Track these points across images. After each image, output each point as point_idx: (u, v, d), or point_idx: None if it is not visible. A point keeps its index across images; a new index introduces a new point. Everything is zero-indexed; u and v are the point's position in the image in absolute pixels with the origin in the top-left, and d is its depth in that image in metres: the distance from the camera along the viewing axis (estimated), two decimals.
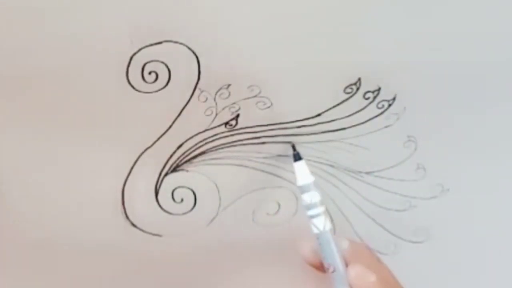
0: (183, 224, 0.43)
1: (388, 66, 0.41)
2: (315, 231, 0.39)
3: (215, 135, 0.41)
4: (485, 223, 0.47)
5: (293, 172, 0.43)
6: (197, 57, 0.38)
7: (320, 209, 0.39)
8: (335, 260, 0.39)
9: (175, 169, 0.42)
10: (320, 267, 0.40)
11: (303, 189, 0.40)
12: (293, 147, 0.41)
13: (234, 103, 0.40)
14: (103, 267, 0.43)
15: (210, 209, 0.43)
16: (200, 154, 0.42)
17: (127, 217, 0.42)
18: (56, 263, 0.43)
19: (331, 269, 0.39)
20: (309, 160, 0.43)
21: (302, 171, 0.40)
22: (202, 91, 0.39)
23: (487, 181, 0.46)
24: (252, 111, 0.41)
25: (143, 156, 0.41)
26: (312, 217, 0.39)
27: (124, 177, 0.41)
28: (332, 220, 0.45)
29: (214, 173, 0.42)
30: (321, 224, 0.39)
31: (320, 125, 0.42)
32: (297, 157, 0.41)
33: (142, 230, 0.43)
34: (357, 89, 0.41)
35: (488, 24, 0.40)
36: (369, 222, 0.45)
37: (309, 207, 0.39)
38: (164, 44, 0.38)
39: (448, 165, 0.44)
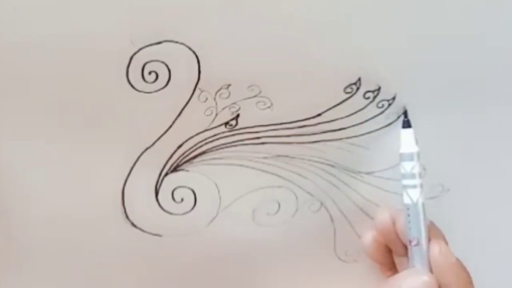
0: (183, 224, 0.43)
1: (388, 66, 0.41)
2: (407, 201, 0.39)
3: (215, 135, 0.41)
4: (485, 223, 0.47)
5: (294, 172, 0.43)
6: (197, 57, 0.38)
7: (418, 181, 0.39)
8: (421, 233, 0.39)
9: (175, 169, 0.42)
10: (390, 239, 0.40)
11: (405, 157, 0.39)
12: (405, 113, 0.41)
13: (234, 103, 0.40)
14: (103, 267, 0.43)
15: (210, 209, 0.43)
16: (200, 154, 0.42)
17: (127, 217, 0.42)
18: (55, 263, 0.43)
19: (414, 242, 0.39)
20: (309, 160, 0.43)
21: (408, 139, 0.40)
22: (202, 91, 0.39)
23: (487, 181, 0.45)
24: (252, 111, 0.41)
25: (143, 156, 0.41)
26: (407, 187, 0.39)
27: (124, 177, 0.41)
28: (332, 220, 0.45)
29: (214, 173, 0.42)
30: (415, 195, 0.39)
31: (320, 125, 0.42)
32: (406, 124, 0.40)
33: (142, 230, 0.43)
34: (357, 88, 0.41)
35: (488, 24, 0.40)
36: (369, 222, 0.45)
37: (407, 176, 0.39)
38: (164, 44, 0.38)
39: (448, 165, 0.44)
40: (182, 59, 0.38)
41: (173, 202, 0.42)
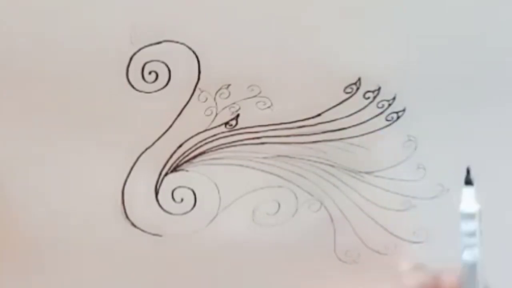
0: (183, 224, 0.43)
1: (388, 66, 0.41)
2: (468, 259, 0.39)
3: (215, 135, 0.41)
4: (485, 223, 0.47)
5: (294, 172, 0.43)
6: (197, 57, 0.38)
7: (478, 239, 0.39)
8: None
9: (175, 169, 0.42)
10: None
11: (469, 216, 0.39)
12: (468, 171, 0.40)
13: (234, 103, 0.40)
14: (103, 267, 0.43)
15: (210, 209, 0.43)
16: (200, 154, 0.42)
17: (127, 217, 0.42)
18: (56, 263, 0.43)
19: None
20: (309, 160, 0.43)
21: (470, 197, 0.39)
22: (202, 91, 0.39)
23: (487, 181, 0.45)
24: (252, 111, 0.41)
25: (143, 156, 0.41)
26: (469, 246, 0.39)
27: (124, 177, 0.41)
28: (332, 220, 0.45)
29: (214, 173, 0.42)
30: (475, 254, 0.39)
31: (320, 125, 0.42)
32: (469, 181, 0.39)
33: (142, 230, 0.43)
34: (357, 88, 0.41)
35: (488, 24, 0.40)
36: (369, 222, 0.45)
37: (471, 234, 0.39)
38: (164, 44, 0.38)
39: (448, 165, 0.44)
40: (182, 59, 0.38)
41: (173, 202, 0.42)
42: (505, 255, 0.48)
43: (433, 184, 0.45)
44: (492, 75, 0.42)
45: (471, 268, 0.39)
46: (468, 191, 0.39)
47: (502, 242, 0.47)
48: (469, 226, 0.38)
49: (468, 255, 0.39)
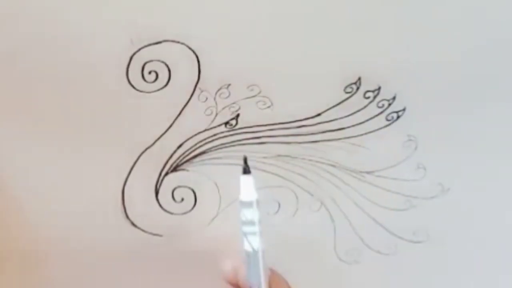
0: (183, 224, 0.43)
1: (388, 66, 0.41)
2: (248, 248, 0.39)
3: (215, 134, 0.41)
4: (485, 223, 0.47)
5: (294, 172, 0.43)
6: (197, 57, 0.39)
7: (257, 228, 0.39)
8: (261, 281, 0.39)
9: (175, 168, 0.42)
10: (236, 286, 0.40)
11: (246, 205, 0.39)
12: (245, 160, 0.40)
13: (234, 102, 0.40)
14: (103, 267, 0.43)
15: (210, 209, 0.43)
16: (200, 154, 0.42)
17: (127, 217, 0.42)
18: (56, 262, 0.43)
19: None
20: (310, 160, 0.43)
21: (248, 186, 0.39)
22: (202, 91, 0.39)
23: (487, 181, 0.45)
24: (252, 111, 0.41)
25: (143, 155, 0.41)
26: (247, 234, 0.38)
27: (124, 176, 0.41)
28: (332, 220, 0.45)
29: (214, 172, 0.42)
30: (256, 243, 0.39)
31: (320, 125, 0.42)
32: (246, 170, 0.39)
33: (142, 230, 0.43)
34: (357, 88, 0.41)
35: (488, 24, 0.40)
36: (370, 222, 0.45)
37: (248, 223, 0.38)
38: (164, 43, 0.38)
39: (448, 164, 0.44)
40: (182, 59, 0.38)
41: (173, 201, 0.42)
42: (504, 254, 0.48)
43: (433, 184, 0.45)
44: (493, 75, 0.42)
45: (254, 256, 0.38)
46: (246, 180, 0.38)
47: (502, 241, 0.47)
48: (248, 214, 0.38)
49: (249, 243, 0.38)
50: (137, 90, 0.39)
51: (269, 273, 0.40)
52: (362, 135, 0.43)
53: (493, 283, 0.48)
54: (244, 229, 0.39)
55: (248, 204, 0.38)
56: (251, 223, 0.38)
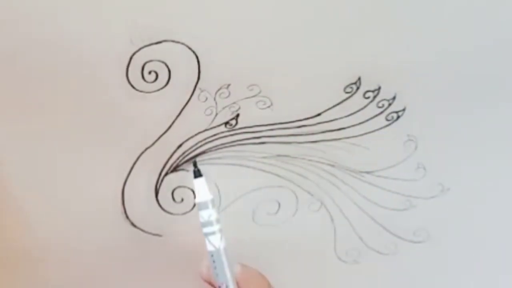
0: (183, 224, 0.43)
1: (388, 66, 0.41)
2: (210, 248, 0.40)
3: (215, 134, 0.41)
4: (485, 223, 0.47)
5: (294, 172, 0.43)
6: (197, 57, 0.39)
7: (216, 227, 0.39)
8: (228, 279, 0.39)
9: (175, 169, 0.42)
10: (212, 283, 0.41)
11: (201, 206, 0.40)
12: (194, 164, 0.41)
13: (234, 102, 0.40)
14: (103, 267, 0.43)
15: None
16: (200, 154, 0.42)
17: (127, 217, 0.42)
18: (56, 262, 0.43)
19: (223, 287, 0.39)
20: (311, 160, 0.43)
21: (201, 188, 0.40)
22: (202, 91, 0.40)
23: (487, 181, 0.45)
24: (252, 111, 0.41)
25: (143, 156, 0.41)
26: (208, 234, 0.39)
27: (124, 177, 0.41)
28: (332, 220, 0.45)
29: (214, 173, 0.42)
30: (216, 242, 0.39)
31: (320, 125, 0.42)
32: (197, 174, 0.40)
33: (142, 230, 0.43)
34: (357, 88, 0.41)
35: (488, 24, 0.40)
36: (369, 222, 0.45)
37: (206, 224, 0.40)
38: (164, 43, 0.38)
39: (448, 164, 0.44)
40: (182, 59, 0.38)
41: (173, 202, 0.42)
42: (504, 254, 0.48)
43: (433, 184, 0.45)
44: (492, 75, 0.42)
45: (217, 255, 0.39)
46: (199, 182, 0.40)
47: (502, 241, 0.47)
48: (206, 215, 0.39)
49: (210, 244, 0.39)
50: (137, 90, 0.39)
51: (239, 269, 0.40)
52: (362, 135, 0.43)
53: (493, 283, 0.48)
54: (204, 230, 0.39)
55: (204, 205, 0.39)
56: (209, 223, 0.39)
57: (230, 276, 0.39)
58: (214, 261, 0.39)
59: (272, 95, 0.41)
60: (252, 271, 0.41)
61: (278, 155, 0.43)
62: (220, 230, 0.40)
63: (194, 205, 0.43)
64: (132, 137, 0.40)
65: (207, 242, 0.40)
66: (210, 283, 0.41)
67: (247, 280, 0.40)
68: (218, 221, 0.40)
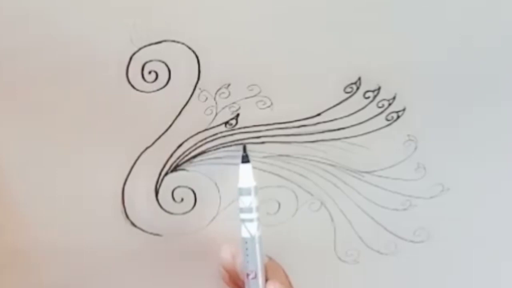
0: (183, 224, 0.43)
1: (388, 66, 0.41)
2: (245, 235, 0.40)
3: (215, 134, 0.41)
4: (485, 223, 0.47)
5: (294, 172, 0.43)
6: (197, 57, 0.39)
7: (255, 214, 0.40)
8: (258, 267, 0.40)
9: (175, 168, 0.42)
10: (234, 274, 0.41)
11: (243, 192, 0.40)
12: (244, 149, 0.41)
13: (234, 102, 0.40)
14: (103, 267, 0.43)
15: (210, 208, 0.43)
16: (200, 154, 0.42)
17: (127, 217, 0.42)
18: (55, 263, 0.43)
19: (251, 275, 0.40)
20: (311, 160, 0.43)
21: (246, 174, 0.40)
22: (202, 91, 0.40)
23: (487, 181, 0.45)
24: (252, 111, 0.41)
25: (143, 155, 0.41)
26: (245, 220, 0.40)
27: (124, 176, 0.41)
28: (332, 220, 0.45)
29: (214, 172, 0.42)
30: (253, 229, 0.40)
31: (320, 125, 0.42)
32: (245, 159, 0.41)
33: (142, 230, 0.43)
34: (357, 88, 0.41)
35: (488, 24, 0.40)
36: (369, 222, 0.45)
37: (245, 210, 0.40)
38: (164, 43, 0.38)
39: (448, 164, 0.44)
40: (182, 59, 0.38)
41: (173, 201, 0.42)
42: (504, 254, 0.48)
43: (433, 184, 0.45)
44: (492, 75, 0.42)
45: (251, 242, 0.40)
46: (245, 168, 0.40)
47: (502, 241, 0.47)
48: (246, 201, 0.40)
49: (247, 231, 0.40)
50: (137, 90, 0.39)
51: (266, 260, 0.40)
52: (362, 135, 0.43)
53: (493, 283, 0.48)
54: (241, 216, 0.40)
55: (247, 191, 0.40)
56: (249, 210, 0.40)
57: (260, 264, 0.40)
58: (247, 249, 0.40)
59: (272, 95, 0.41)
60: (278, 265, 0.41)
61: (278, 155, 0.43)
62: (258, 219, 0.40)
63: (194, 205, 0.43)
64: (132, 137, 0.40)
65: (242, 228, 0.40)
66: (229, 271, 0.41)
67: (274, 272, 0.40)
68: (257, 209, 0.40)
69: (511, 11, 0.40)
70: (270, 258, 0.41)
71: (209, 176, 0.42)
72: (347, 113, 0.42)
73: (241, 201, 0.40)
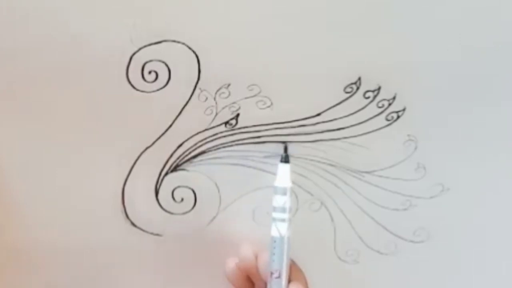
0: (183, 224, 0.43)
1: (388, 66, 0.41)
2: (275, 234, 0.40)
3: (215, 134, 0.41)
4: (485, 223, 0.47)
5: (294, 172, 0.43)
6: (197, 57, 0.39)
7: (287, 215, 0.40)
8: (283, 267, 0.40)
9: (175, 168, 0.42)
10: (252, 273, 0.41)
11: (279, 191, 0.40)
12: (285, 149, 0.41)
13: (234, 102, 0.40)
14: (103, 267, 0.43)
15: (210, 208, 0.43)
16: (200, 154, 0.42)
17: (127, 217, 0.42)
18: (56, 263, 0.43)
19: (275, 274, 0.40)
20: (311, 160, 0.43)
21: (285, 174, 0.41)
22: (202, 91, 0.40)
23: (487, 181, 0.45)
24: (252, 111, 0.41)
25: (143, 155, 0.41)
26: (277, 219, 0.40)
27: (124, 176, 0.41)
28: (332, 220, 0.45)
29: (214, 172, 0.42)
30: (283, 229, 0.40)
31: (320, 125, 0.42)
32: (285, 159, 0.41)
33: (142, 230, 0.43)
34: (357, 88, 0.41)
35: (488, 24, 0.40)
36: (369, 222, 0.45)
37: (278, 210, 0.40)
38: (164, 43, 0.38)
39: (448, 164, 0.44)
40: (182, 59, 0.38)
41: (173, 201, 0.42)
42: (504, 254, 0.48)
43: (433, 184, 0.45)
44: (492, 75, 0.42)
45: (280, 242, 0.40)
46: (283, 168, 0.41)
47: (502, 241, 0.47)
48: (281, 201, 0.40)
49: (277, 230, 0.40)
50: (137, 90, 0.39)
51: (290, 262, 0.41)
52: (362, 135, 0.43)
53: (493, 283, 0.48)
54: (273, 214, 0.40)
55: (282, 190, 0.40)
56: (282, 209, 0.40)
57: (286, 265, 0.40)
58: (274, 247, 0.40)
59: (272, 95, 0.41)
60: (300, 269, 0.42)
61: (279, 155, 0.43)
62: (290, 220, 0.40)
63: (194, 205, 0.43)
64: (132, 137, 0.40)
65: (273, 227, 0.40)
66: (247, 269, 0.41)
67: (296, 275, 0.41)
68: (290, 210, 0.40)
69: (511, 11, 0.40)
70: (293, 261, 0.41)
71: (209, 176, 0.42)
72: (347, 113, 0.42)
73: (275, 199, 0.40)
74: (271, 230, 0.40)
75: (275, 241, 0.40)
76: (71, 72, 0.38)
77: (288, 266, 0.40)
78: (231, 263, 0.42)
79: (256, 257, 0.41)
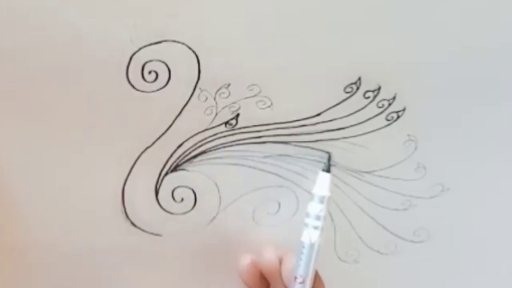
0: (183, 224, 0.43)
1: (388, 66, 0.41)
2: (305, 240, 0.40)
3: (215, 134, 0.41)
4: (485, 223, 0.47)
5: (294, 172, 0.43)
6: (197, 57, 0.39)
7: (321, 223, 0.41)
8: (309, 274, 0.40)
9: (175, 168, 0.42)
10: (274, 277, 0.41)
11: (317, 199, 0.41)
12: (329, 158, 0.42)
13: (234, 102, 0.40)
14: (103, 267, 0.43)
15: (210, 208, 0.43)
16: (200, 154, 0.42)
17: (127, 217, 0.42)
18: (55, 263, 0.43)
19: (299, 280, 0.40)
20: (310, 160, 0.43)
21: (325, 183, 0.41)
22: (202, 91, 0.40)
23: (487, 181, 0.46)
24: (252, 111, 0.41)
25: (143, 155, 0.41)
26: (309, 226, 0.41)
27: (124, 177, 0.41)
28: (332, 220, 0.45)
29: (214, 172, 0.42)
30: (315, 237, 0.40)
31: (320, 125, 0.42)
32: (327, 169, 0.42)
33: (142, 230, 0.43)
34: (357, 88, 0.41)
35: (488, 24, 0.41)
36: (369, 222, 0.45)
37: (313, 217, 0.41)
38: (164, 43, 0.38)
39: (448, 164, 0.44)
40: (182, 59, 0.38)
41: (173, 201, 0.42)
42: (504, 254, 0.48)
43: (433, 184, 0.45)
44: (492, 74, 0.42)
45: (310, 249, 0.40)
46: (324, 177, 0.41)
47: (502, 241, 0.47)
48: (317, 208, 0.41)
49: (308, 236, 0.40)
50: (137, 90, 0.39)
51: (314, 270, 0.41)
52: (362, 135, 0.43)
53: (493, 283, 0.48)
54: (306, 220, 0.41)
55: (320, 199, 0.41)
56: (317, 217, 0.41)
57: (312, 272, 0.40)
58: (302, 253, 0.40)
59: (272, 95, 0.41)
60: (322, 280, 0.42)
61: (278, 155, 0.43)
62: (322, 228, 0.41)
63: (194, 205, 0.43)
64: (132, 137, 0.40)
65: (305, 233, 0.41)
66: (268, 272, 0.41)
67: (318, 285, 0.41)
68: (324, 219, 0.41)
69: (511, 11, 0.40)
70: (317, 271, 0.42)
71: (209, 176, 0.42)
72: (347, 113, 0.42)
73: (310, 206, 0.41)
74: (302, 236, 0.41)
75: (303, 247, 0.40)
76: (71, 72, 0.38)
77: (313, 274, 0.41)
78: (247, 259, 0.42)
79: (280, 260, 0.41)
